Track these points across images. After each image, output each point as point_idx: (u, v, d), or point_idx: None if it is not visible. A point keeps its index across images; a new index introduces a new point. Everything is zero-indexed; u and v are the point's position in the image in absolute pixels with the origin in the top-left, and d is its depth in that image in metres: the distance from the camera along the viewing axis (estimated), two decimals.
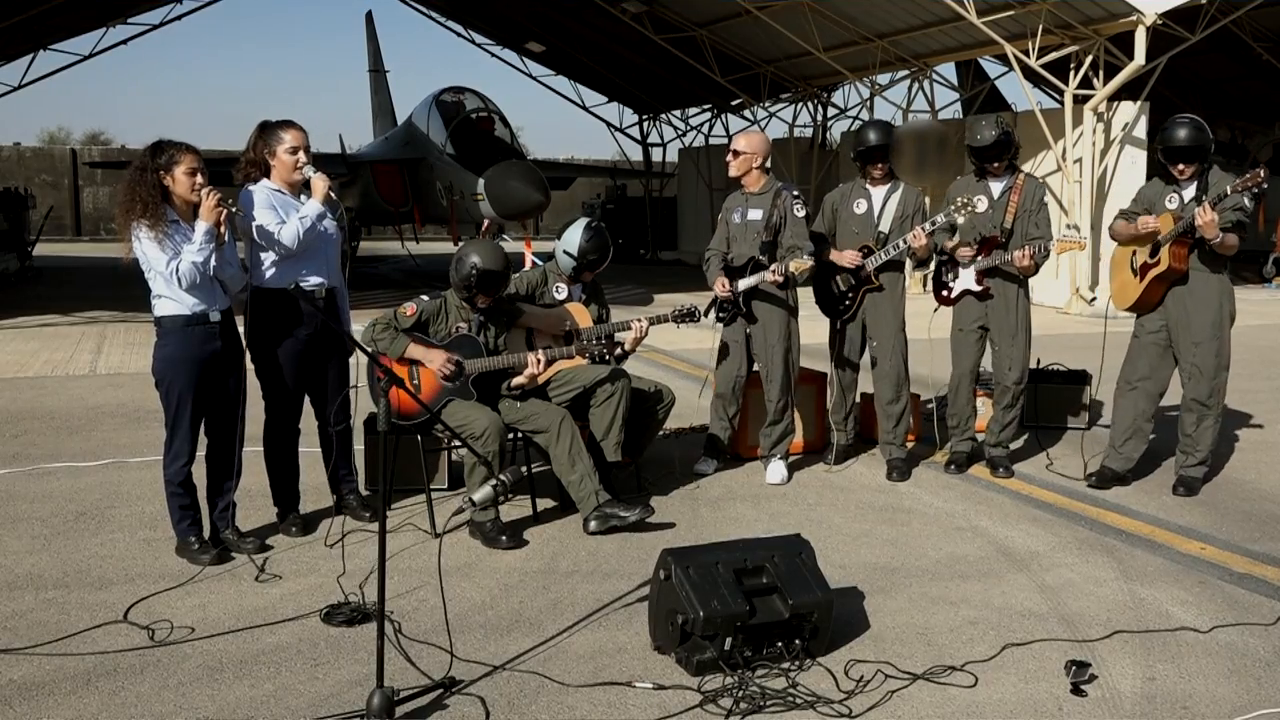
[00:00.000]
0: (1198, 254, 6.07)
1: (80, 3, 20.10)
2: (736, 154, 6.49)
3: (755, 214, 6.49)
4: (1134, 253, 6.30)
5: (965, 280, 6.55)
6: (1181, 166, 6.06)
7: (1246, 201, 5.95)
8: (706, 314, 6.39)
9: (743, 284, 6.45)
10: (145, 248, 4.86)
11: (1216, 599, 4.76)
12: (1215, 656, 4.18)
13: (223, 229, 4.96)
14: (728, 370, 6.68)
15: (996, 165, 6.50)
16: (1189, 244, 6.04)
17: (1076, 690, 3.86)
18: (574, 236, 6.28)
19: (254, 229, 5.29)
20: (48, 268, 21.94)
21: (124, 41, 23.97)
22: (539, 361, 5.64)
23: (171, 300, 4.95)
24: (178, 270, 4.85)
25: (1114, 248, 6.52)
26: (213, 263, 4.93)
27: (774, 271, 6.31)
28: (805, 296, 6.65)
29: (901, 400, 6.75)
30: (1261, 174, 5.80)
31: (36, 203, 23.51)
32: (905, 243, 6.42)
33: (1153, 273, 6.13)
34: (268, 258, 5.35)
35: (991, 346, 6.65)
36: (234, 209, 5.02)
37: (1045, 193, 6.62)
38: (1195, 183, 6.07)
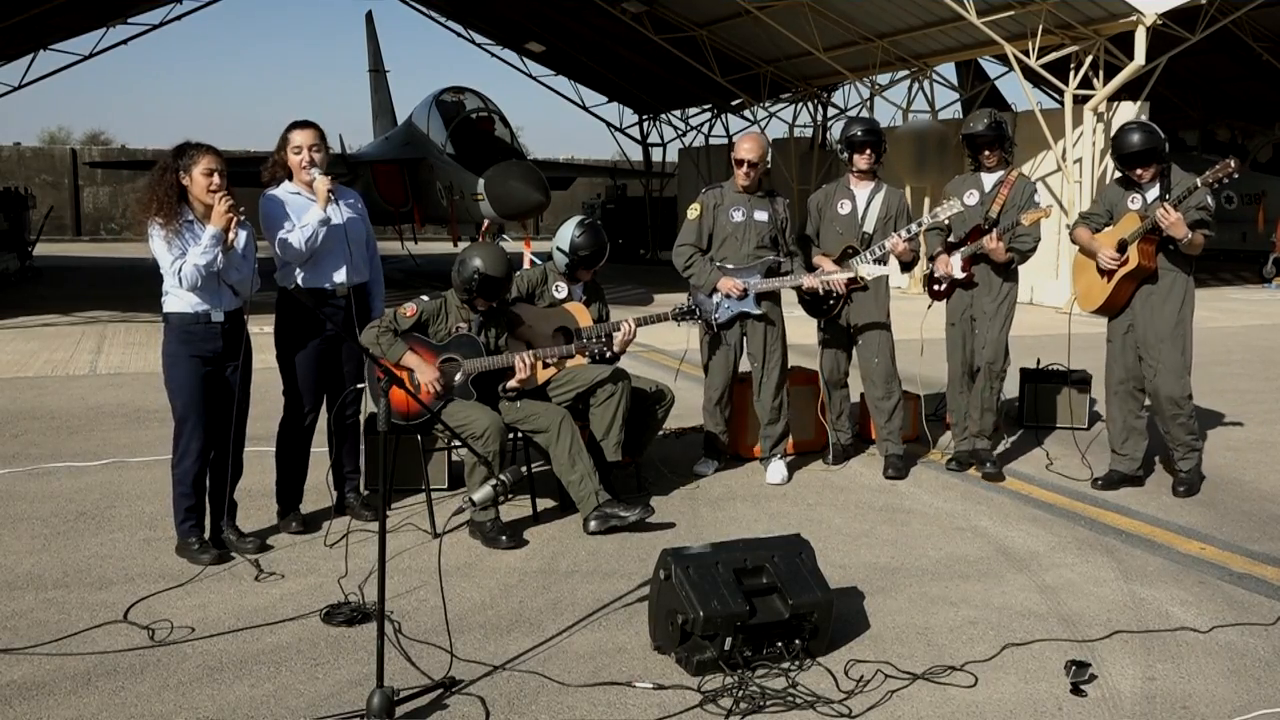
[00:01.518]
0: (1165, 253, 6.06)
1: (80, 3, 20.09)
2: (753, 165, 6.40)
3: (761, 215, 6.48)
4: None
5: (953, 270, 6.57)
6: (1140, 171, 6.09)
7: (1209, 200, 5.97)
8: (706, 319, 6.27)
9: (765, 285, 6.41)
10: (155, 245, 4.92)
11: (1216, 599, 4.76)
12: (1215, 656, 4.18)
13: (231, 235, 4.97)
14: (721, 373, 6.66)
15: (988, 155, 6.52)
16: (1156, 241, 6.04)
17: (1076, 690, 3.86)
18: (567, 232, 6.26)
19: (270, 235, 5.39)
20: (48, 268, 21.94)
21: (124, 41, 23.99)
22: (526, 365, 5.63)
23: (176, 298, 5.00)
24: (180, 271, 4.89)
25: (1075, 251, 6.54)
26: (217, 266, 4.94)
27: (817, 277, 6.36)
28: (789, 295, 6.64)
29: (893, 397, 6.76)
30: (1231, 164, 5.81)
31: (36, 203, 23.51)
32: (886, 246, 6.44)
33: (1121, 272, 6.11)
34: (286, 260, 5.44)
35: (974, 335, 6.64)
36: (244, 216, 5.02)
37: (1036, 193, 6.62)
38: (1158, 183, 6.10)
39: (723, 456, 6.83)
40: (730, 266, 6.46)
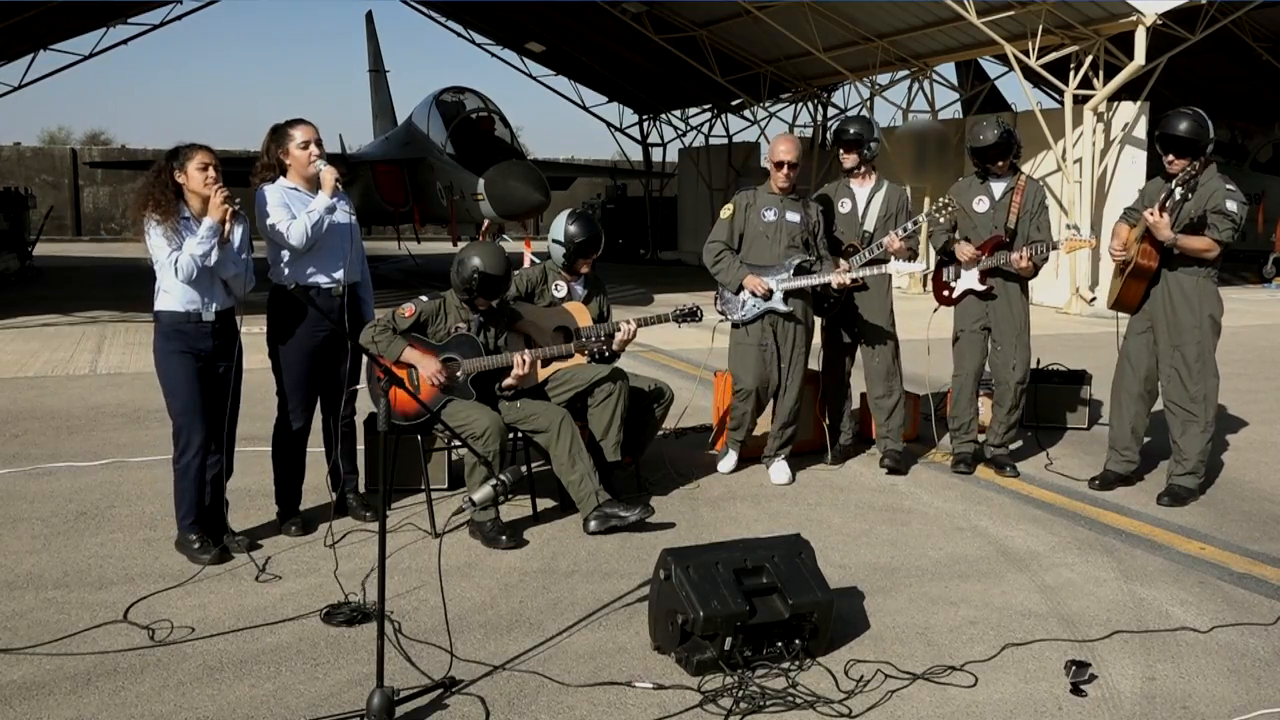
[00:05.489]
0: (1174, 254, 5.97)
1: (80, 3, 20.09)
2: (792, 166, 6.37)
3: (794, 216, 6.44)
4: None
5: (968, 280, 6.54)
6: (1171, 158, 5.94)
7: (1228, 204, 5.79)
8: (728, 316, 6.23)
9: (796, 284, 6.37)
10: (152, 239, 4.93)
11: (1216, 599, 4.76)
12: (1215, 656, 4.19)
13: (227, 227, 4.99)
14: (762, 373, 6.49)
15: (999, 165, 6.50)
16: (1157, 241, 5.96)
17: (1076, 690, 3.86)
18: (560, 225, 6.26)
19: (267, 227, 5.35)
20: (48, 268, 21.94)
21: (124, 41, 23.95)
22: (524, 362, 5.63)
23: (169, 295, 5.00)
24: (176, 262, 4.90)
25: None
26: (213, 259, 4.95)
27: (847, 271, 6.33)
28: None
29: (893, 395, 6.75)
30: (1195, 166, 5.78)
31: (36, 203, 23.51)
32: (882, 245, 6.40)
33: (1127, 270, 6.12)
34: (284, 255, 5.42)
35: (993, 346, 6.63)
36: (239, 208, 5.04)
37: (1046, 195, 6.64)
38: (1187, 181, 5.97)
39: (740, 446, 6.76)
40: (766, 265, 6.41)
